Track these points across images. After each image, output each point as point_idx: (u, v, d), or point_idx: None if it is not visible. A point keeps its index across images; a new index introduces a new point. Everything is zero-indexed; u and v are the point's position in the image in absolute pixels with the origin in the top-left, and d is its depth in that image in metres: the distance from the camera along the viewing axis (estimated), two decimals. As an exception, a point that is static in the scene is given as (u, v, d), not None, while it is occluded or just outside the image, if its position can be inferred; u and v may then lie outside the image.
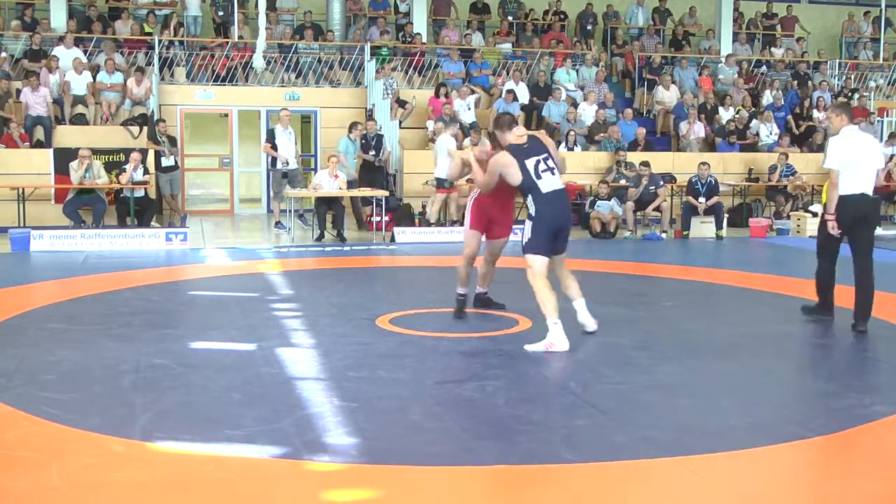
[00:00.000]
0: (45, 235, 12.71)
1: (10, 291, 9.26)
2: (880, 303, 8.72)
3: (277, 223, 15.16)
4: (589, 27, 21.47)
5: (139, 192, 14.33)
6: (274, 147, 15.25)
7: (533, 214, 6.90)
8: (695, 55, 21.13)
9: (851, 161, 7.38)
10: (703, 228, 15.00)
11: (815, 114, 19.54)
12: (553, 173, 6.94)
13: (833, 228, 7.43)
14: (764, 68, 21.46)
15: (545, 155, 6.97)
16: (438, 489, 4.11)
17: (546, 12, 21.71)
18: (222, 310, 8.46)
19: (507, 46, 20.33)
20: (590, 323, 7.20)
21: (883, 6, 21.73)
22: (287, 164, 15.16)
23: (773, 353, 6.79)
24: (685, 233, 14.98)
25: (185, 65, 18.09)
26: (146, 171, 14.58)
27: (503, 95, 17.67)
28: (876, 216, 7.89)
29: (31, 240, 12.55)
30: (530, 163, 6.89)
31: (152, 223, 14.38)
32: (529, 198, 6.91)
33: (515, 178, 6.91)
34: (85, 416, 4.97)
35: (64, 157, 14.58)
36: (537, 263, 6.86)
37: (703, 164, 15.37)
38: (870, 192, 7.46)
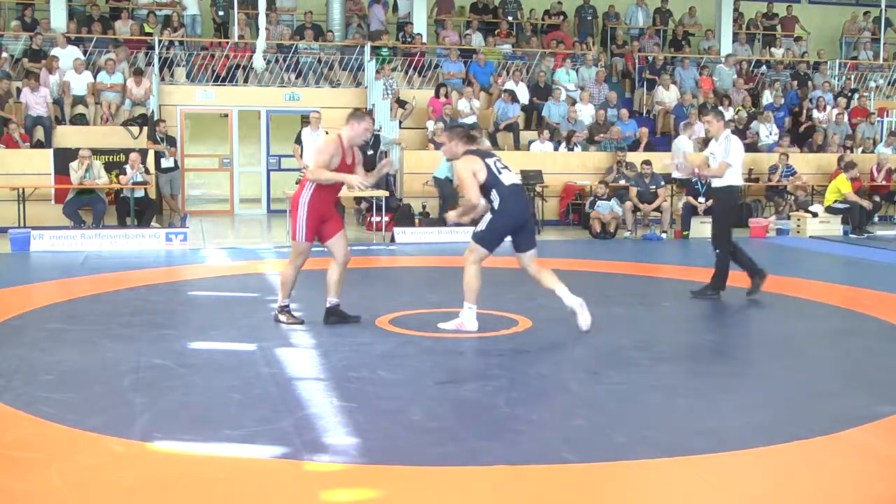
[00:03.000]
0: (45, 236, 12.71)
1: (10, 291, 9.25)
2: (881, 303, 8.74)
3: None
4: (589, 18, 21.46)
5: (139, 193, 14.34)
6: (302, 150, 15.47)
7: (496, 208, 7.20)
8: (695, 55, 21.13)
9: (741, 159, 9.11)
10: (703, 228, 14.95)
11: (815, 114, 19.54)
12: (510, 171, 7.40)
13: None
14: (764, 68, 21.46)
15: (497, 158, 7.47)
16: (438, 489, 4.11)
17: (546, 12, 21.72)
18: (222, 310, 8.47)
19: (507, 47, 20.34)
20: (574, 304, 7.35)
21: (883, 6, 21.73)
22: (307, 168, 15.18)
23: (772, 354, 6.79)
24: (685, 233, 14.97)
25: (185, 65, 18.10)
26: (146, 172, 14.58)
27: (502, 95, 17.69)
28: None
29: (31, 240, 12.54)
30: (490, 161, 7.31)
31: (152, 223, 14.38)
32: (493, 193, 7.18)
33: (482, 175, 7.17)
34: (85, 417, 4.97)
35: (64, 158, 14.58)
36: (479, 253, 7.26)
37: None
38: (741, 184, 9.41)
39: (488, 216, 7.24)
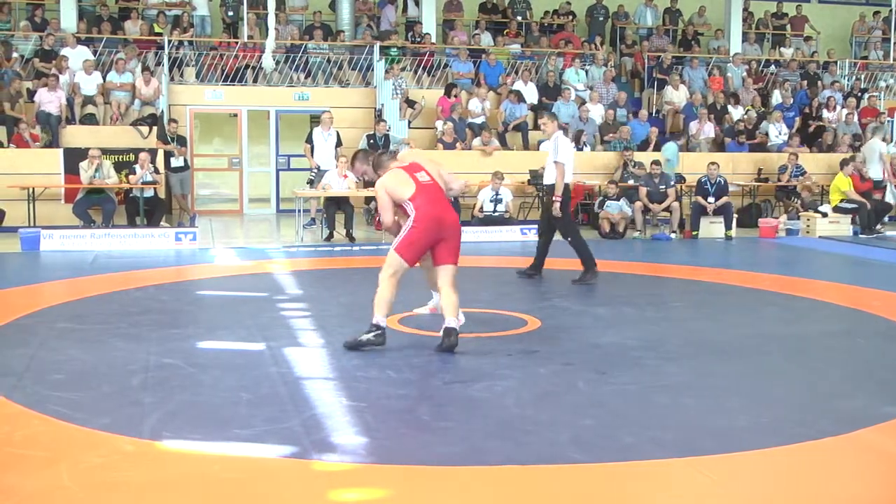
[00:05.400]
0: (55, 235, 12.74)
1: (20, 291, 9.29)
2: (887, 304, 8.72)
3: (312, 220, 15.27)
4: (601, 19, 21.44)
5: (148, 192, 14.37)
6: (313, 149, 15.48)
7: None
8: (704, 55, 21.10)
9: (569, 158, 9.78)
10: (712, 229, 14.97)
11: (825, 114, 19.47)
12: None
13: (557, 210, 9.65)
14: (773, 68, 21.40)
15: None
16: (447, 489, 4.11)
17: (555, 12, 21.71)
18: (231, 309, 8.48)
19: (515, 47, 20.34)
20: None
21: (893, 6, 21.63)
22: (317, 169, 15.13)
23: (781, 354, 6.78)
24: (694, 233, 14.94)
25: (195, 65, 18.13)
26: (156, 171, 14.61)
27: (508, 96, 17.68)
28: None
29: (42, 239, 12.58)
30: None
31: (161, 223, 14.41)
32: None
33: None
34: (94, 416, 4.99)
35: (74, 157, 14.62)
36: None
37: (713, 164, 15.33)
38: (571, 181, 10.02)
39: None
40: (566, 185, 9.80)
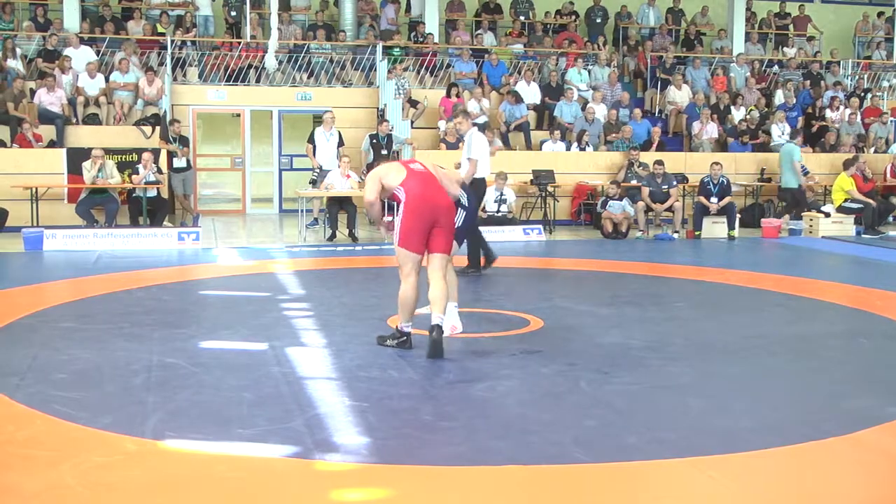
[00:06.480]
0: (58, 235, 12.75)
1: (23, 291, 9.29)
2: (891, 304, 8.71)
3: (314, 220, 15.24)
4: (598, 21, 21.44)
5: (151, 192, 14.37)
6: (315, 149, 15.44)
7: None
8: (707, 55, 21.08)
9: (483, 153, 10.27)
10: (715, 229, 14.96)
11: (829, 114, 19.44)
12: None
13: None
14: (776, 68, 21.38)
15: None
16: (449, 489, 4.11)
17: (558, 12, 21.70)
18: (234, 309, 8.48)
19: (518, 47, 20.33)
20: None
21: (896, 6, 21.65)
22: (320, 169, 15.10)
23: (784, 354, 6.77)
24: (697, 233, 14.93)
25: (198, 65, 18.14)
26: (159, 171, 14.61)
27: (506, 97, 17.67)
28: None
29: (45, 239, 12.59)
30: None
31: (164, 223, 14.42)
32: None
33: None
34: (97, 415, 4.99)
35: (77, 157, 14.63)
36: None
37: (716, 164, 15.31)
38: (487, 175, 10.55)
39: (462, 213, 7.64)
40: (480, 181, 10.32)
